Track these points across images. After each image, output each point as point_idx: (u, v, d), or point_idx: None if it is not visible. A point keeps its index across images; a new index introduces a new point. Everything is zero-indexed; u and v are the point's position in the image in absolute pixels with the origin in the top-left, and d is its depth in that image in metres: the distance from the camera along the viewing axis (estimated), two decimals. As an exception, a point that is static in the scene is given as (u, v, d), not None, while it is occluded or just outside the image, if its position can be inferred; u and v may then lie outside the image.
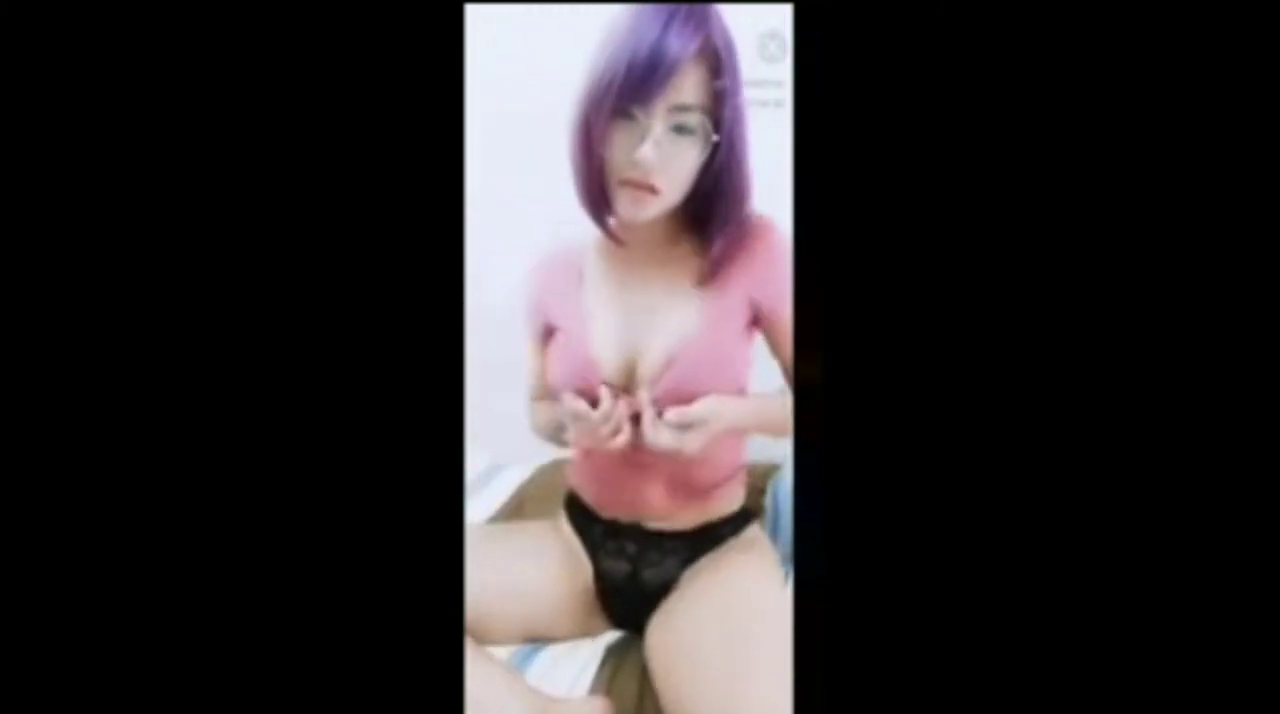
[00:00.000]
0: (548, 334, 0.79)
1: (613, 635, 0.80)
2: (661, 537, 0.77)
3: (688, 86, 0.60)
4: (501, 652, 0.74)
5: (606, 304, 0.73)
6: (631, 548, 0.77)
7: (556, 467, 1.19)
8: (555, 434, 0.79)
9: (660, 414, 0.65)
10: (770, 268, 0.69)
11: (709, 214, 0.68)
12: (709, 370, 0.68)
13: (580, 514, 0.82)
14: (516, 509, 1.11)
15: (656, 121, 0.60)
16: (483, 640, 0.72)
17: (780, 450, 0.88)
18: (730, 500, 0.80)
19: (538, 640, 0.77)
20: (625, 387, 0.70)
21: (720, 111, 0.62)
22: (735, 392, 0.70)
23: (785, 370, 0.75)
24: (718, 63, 0.61)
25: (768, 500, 1.02)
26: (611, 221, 0.70)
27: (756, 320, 0.72)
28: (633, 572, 0.77)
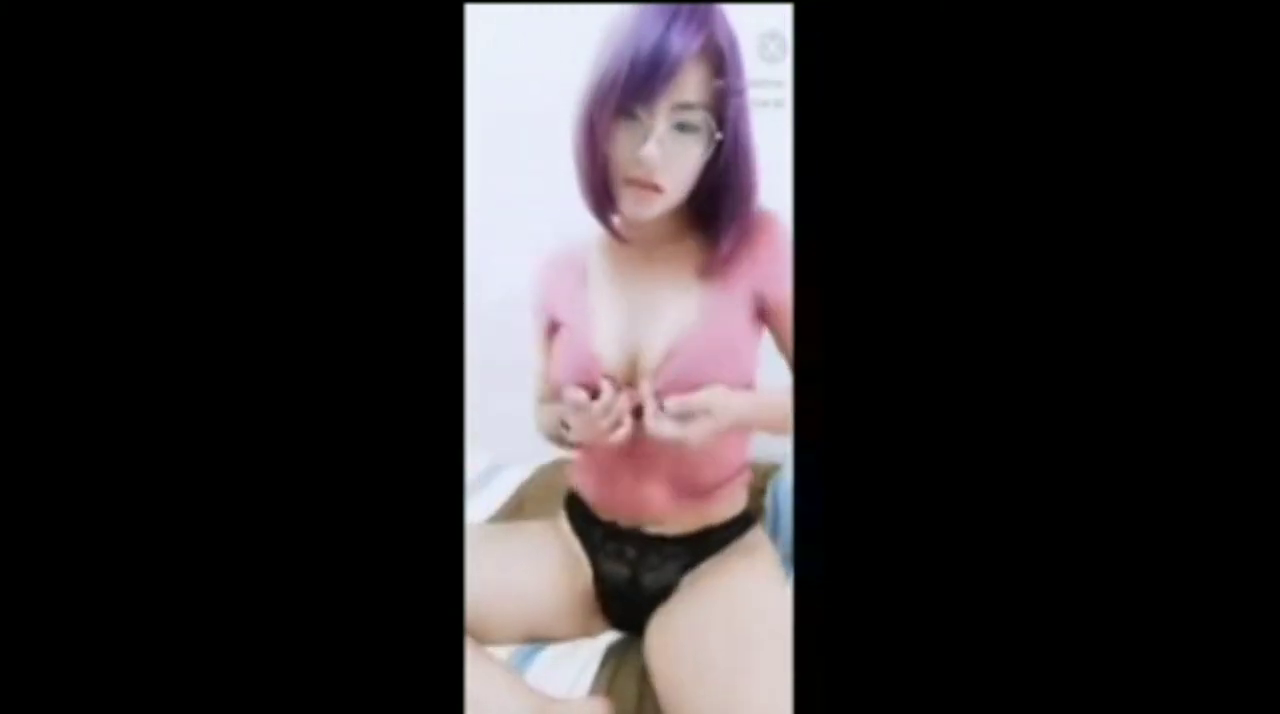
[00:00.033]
0: (553, 333, 0.79)
1: (613, 636, 0.80)
2: (662, 541, 0.76)
3: (690, 85, 0.60)
4: (501, 652, 0.74)
5: (610, 300, 0.73)
6: (631, 552, 0.77)
7: (556, 467, 1.20)
8: (559, 434, 0.79)
9: (662, 406, 0.64)
10: (775, 261, 0.69)
11: (715, 211, 0.68)
12: (712, 362, 0.68)
13: (580, 516, 0.82)
14: (516, 509, 1.11)
15: (659, 120, 0.60)
16: (482, 640, 0.72)
17: (780, 449, 0.88)
18: (733, 502, 0.79)
19: (537, 641, 0.77)
20: (628, 381, 0.70)
21: (723, 109, 0.62)
22: (741, 386, 0.69)
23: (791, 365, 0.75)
24: (720, 61, 0.61)
25: (768, 500, 1.02)
26: (616, 220, 0.70)
27: (762, 314, 0.71)
28: (632, 576, 0.76)
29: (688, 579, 0.75)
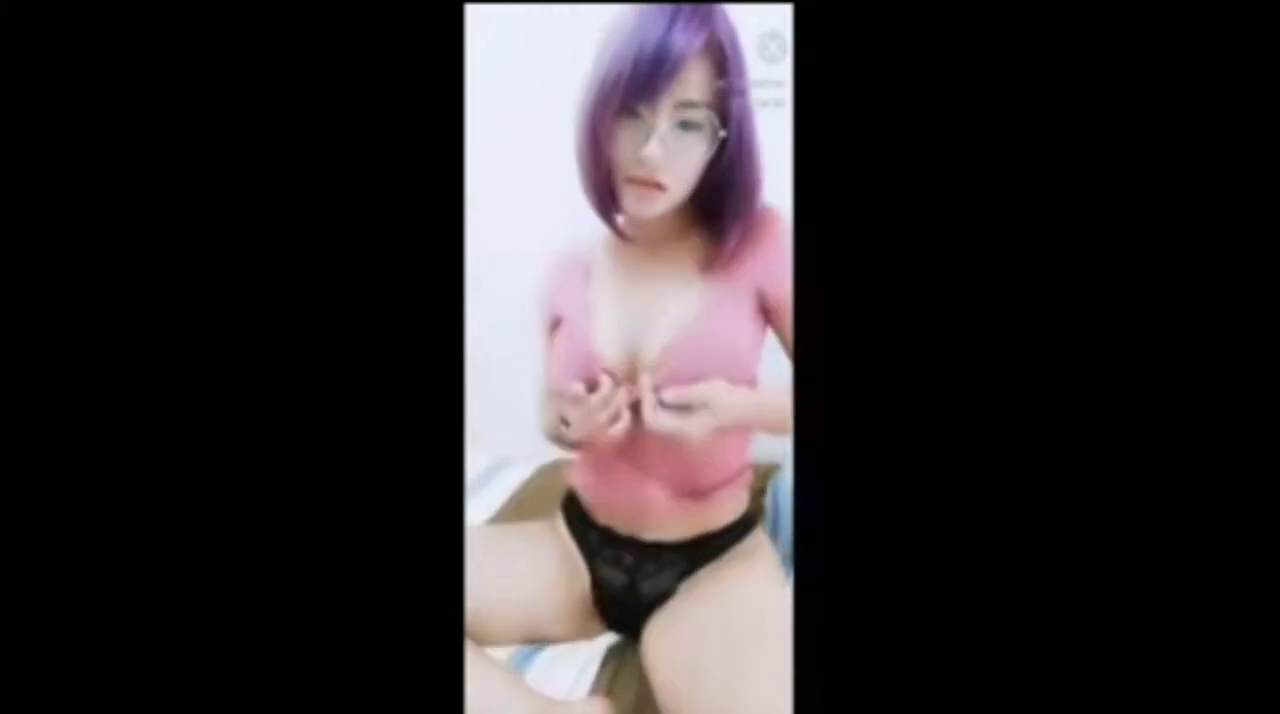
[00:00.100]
0: (556, 330, 0.79)
1: (613, 636, 0.80)
2: (659, 548, 0.76)
3: (693, 83, 0.60)
4: (501, 653, 0.74)
5: (612, 297, 0.73)
6: (628, 559, 0.76)
7: (556, 467, 1.20)
8: (559, 431, 0.79)
9: (661, 400, 0.64)
10: (778, 258, 0.69)
11: (719, 208, 0.68)
12: (712, 357, 0.67)
13: (577, 519, 0.81)
14: (516, 509, 1.11)
15: (662, 118, 0.60)
16: (482, 641, 0.72)
17: (780, 449, 0.88)
18: (733, 506, 0.79)
19: (537, 642, 0.77)
20: (629, 377, 0.70)
21: (726, 107, 0.62)
22: (743, 382, 0.69)
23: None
24: (722, 59, 0.61)
25: (768, 500, 1.02)
26: (619, 218, 0.70)
27: (765, 312, 0.71)
28: (630, 583, 0.76)
29: (685, 585, 0.75)
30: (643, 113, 0.60)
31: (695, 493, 0.75)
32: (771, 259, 0.69)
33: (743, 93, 0.63)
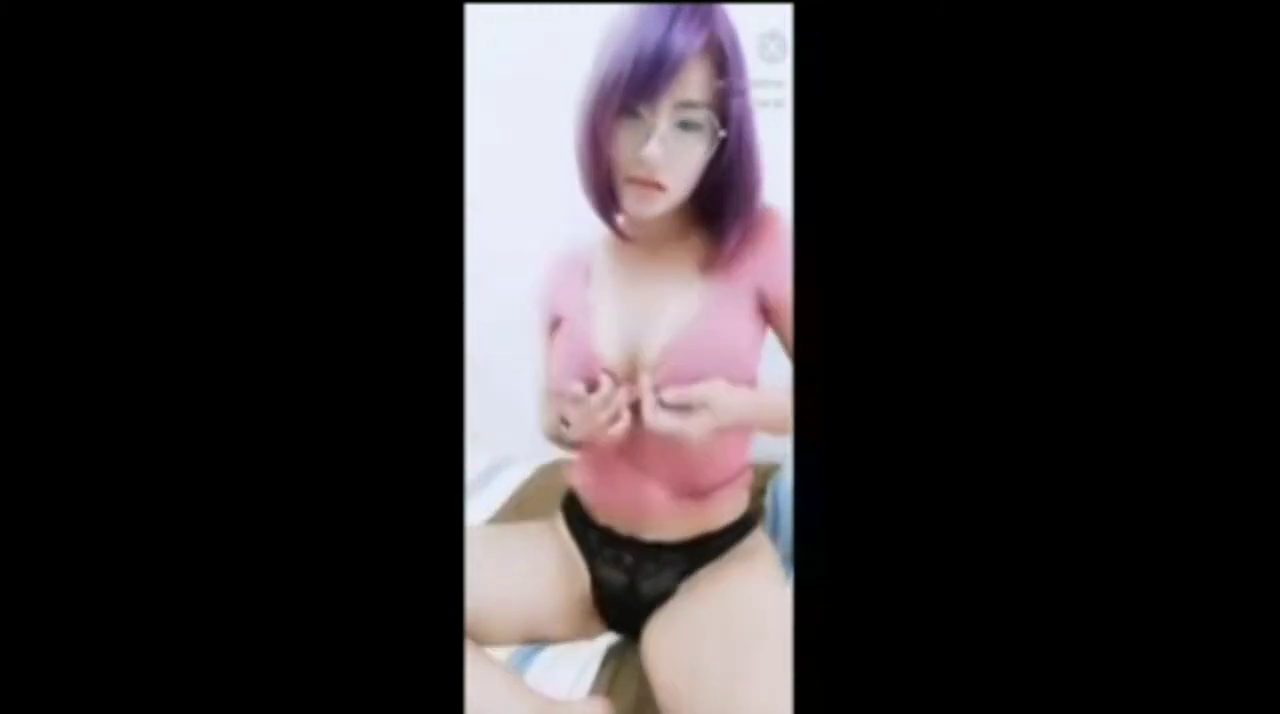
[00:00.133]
0: (556, 331, 0.79)
1: (613, 636, 0.80)
2: (659, 548, 0.76)
3: (693, 83, 0.60)
4: (501, 653, 0.74)
5: (612, 297, 0.73)
6: (628, 559, 0.76)
7: (556, 467, 1.20)
8: (559, 431, 0.79)
9: (661, 400, 0.64)
10: (778, 258, 0.69)
11: (719, 208, 0.68)
12: (712, 357, 0.67)
13: (577, 519, 0.81)
14: (516, 509, 1.11)
15: (662, 118, 0.60)
16: (482, 641, 0.72)
17: (780, 449, 0.88)
18: (733, 506, 0.79)
19: (537, 642, 0.77)
20: (629, 377, 0.70)
21: (726, 107, 0.62)
22: (743, 382, 0.69)
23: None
24: (722, 59, 0.61)
25: (768, 500, 1.02)
26: (619, 219, 0.70)
27: (765, 312, 0.71)
28: (630, 583, 0.76)
29: (685, 585, 0.75)
30: (643, 113, 0.60)
31: (695, 493, 0.75)
32: (771, 259, 0.69)
33: (743, 93, 0.63)
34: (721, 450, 0.75)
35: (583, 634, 0.79)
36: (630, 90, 0.59)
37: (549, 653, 0.76)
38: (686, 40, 0.58)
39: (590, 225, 0.72)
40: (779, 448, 0.83)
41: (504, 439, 1.26)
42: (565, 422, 0.70)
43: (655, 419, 0.63)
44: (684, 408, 0.63)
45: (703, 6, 0.60)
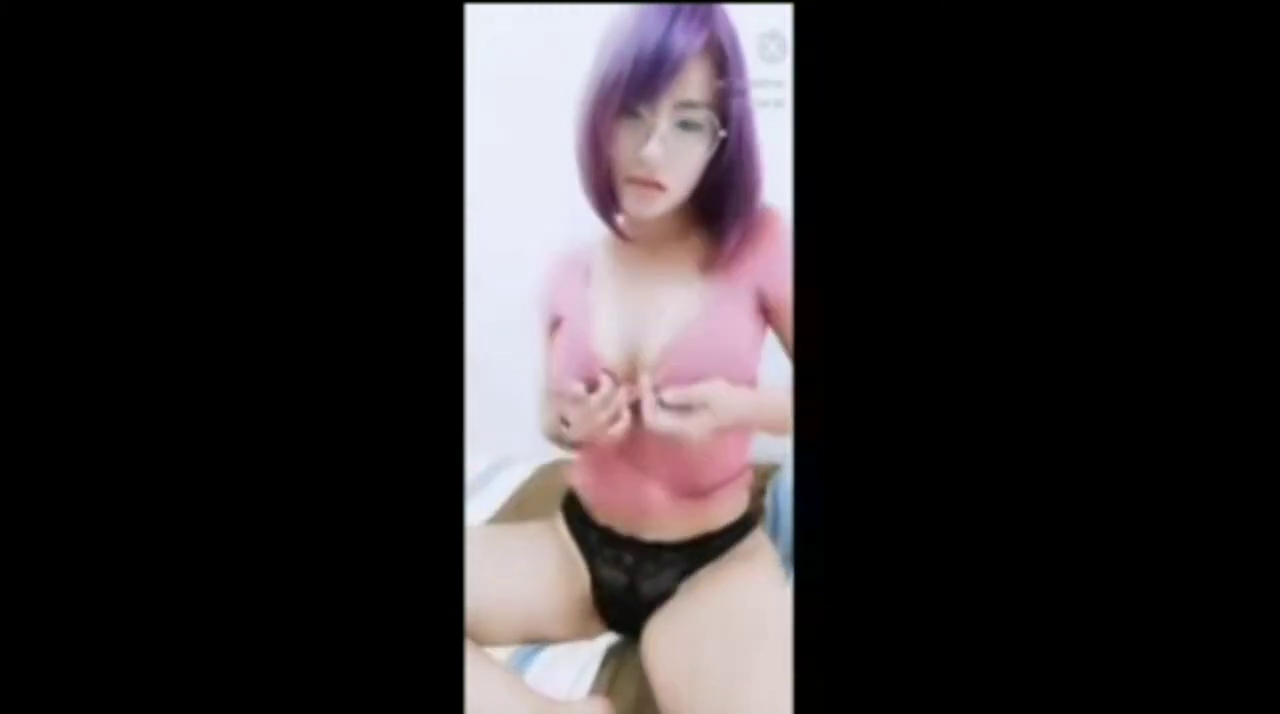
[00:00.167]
0: (556, 331, 0.79)
1: (613, 636, 0.80)
2: (659, 548, 0.76)
3: (693, 83, 0.60)
4: (501, 653, 0.74)
5: (612, 297, 0.73)
6: (628, 559, 0.76)
7: (556, 467, 1.20)
8: (559, 431, 0.79)
9: (661, 400, 0.64)
10: (778, 258, 0.69)
11: (719, 208, 0.68)
12: (712, 357, 0.67)
13: (577, 519, 0.81)
14: (516, 509, 1.11)
15: (662, 118, 0.60)
16: (482, 642, 0.72)
17: (780, 449, 0.88)
18: (733, 506, 0.79)
19: (537, 641, 0.77)
20: (629, 377, 0.70)
21: (726, 107, 0.62)
22: (743, 382, 0.69)
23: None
24: (722, 59, 0.61)
25: (768, 500, 1.02)
26: (619, 219, 0.70)
27: (765, 311, 0.71)
28: (630, 583, 0.76)
29: (685, 586, 0.75)
30: (643, 113, 0.60)
31: (695, 493, 0.75)
32: (771, 259, 0.69)
33: (743, 93, 0.63)
34: (721, 450, 0.75)
35: (583, 634, 0.79)
36: (630, 90, 0.59)
37: (549, 653, 0.76)
38: (686, 40, 0.58)
39: (590, 225, 0.72)
40: (779, 448, 0.83)
41: (504, 439, 1.26)
42: (565, 422, 0.70)
43: (655, 419, 0.63)
44: (684, 408, 0.63)
45: (703, 6, 0.60)
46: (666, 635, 0.69)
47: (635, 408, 0.65)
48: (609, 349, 0.71)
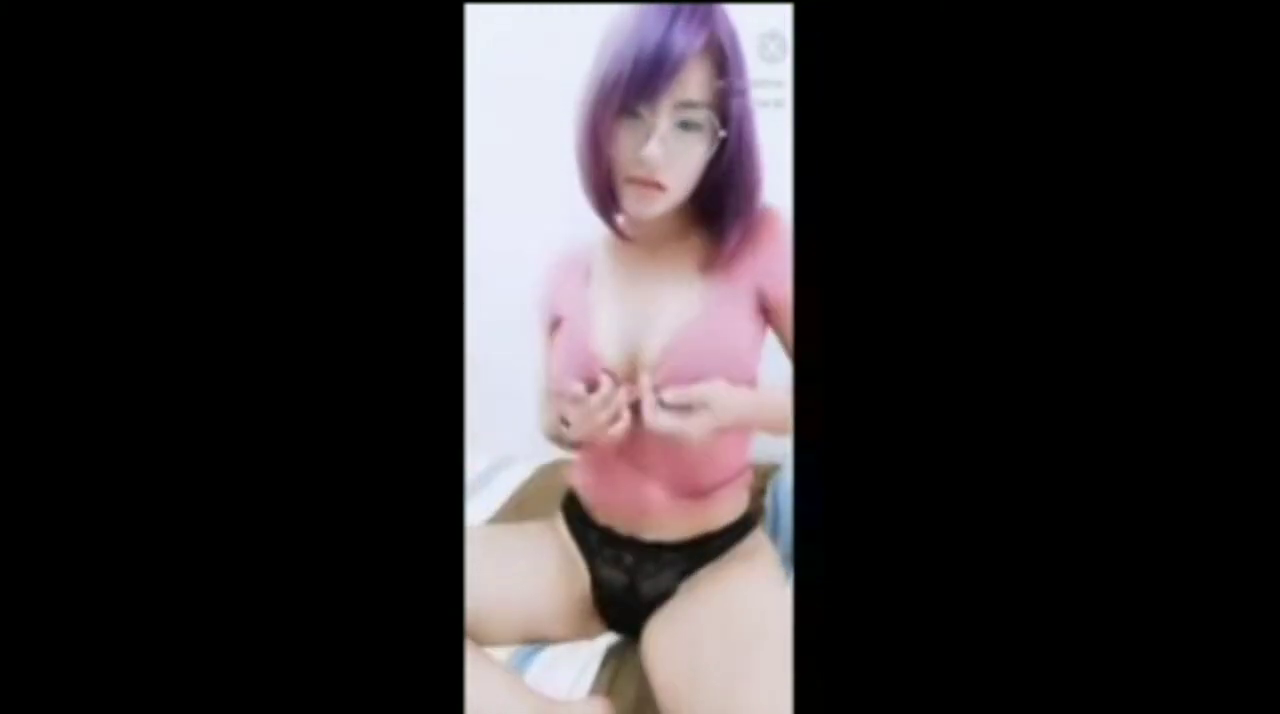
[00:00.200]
0: (556, 331, 0.79)
1: (613, 636, 0.80)
2: (659, 548, 0.76)
3: (693, 83, 0.60)
4: (501, 653, 0.74)
5: (612, 297, 0.73)
6: (628, 559, 0.76)
7: (556, 467, 1.20)
8: (559, 431, 0.79)
9: (661, 400, 0.64)
10: (778, 258, 0.69)
11: (719, 208, 0.68)
12: (712, 357, 0.67)
13: (577, 519, 0.81)
14: (516, 509, 1.11)
15: (662, 118, 0.60)
16: (482, 642, 0.72)
17: (780, 449, 0.88)
18: (733, 506, 0.79)
19: (537, 641, 0.77)
20: (629, 377, 0.70)
21: (726, 107, 0.62)
22: (743, 382, 0.69)
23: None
24: (722, 60, 0.61)
25: (768, 500, 1.02)
26: (619, 219, 0.70)
27: (765, 311, 0.71)
28: (630, 583, 0.76)
29: (685, 586, 0.75)
30: (643, 113, 0.60)
31: (695, 493, 0.75)
32: (771, 259, 0.69)
33: (743, 93, 0.63)
34: (721, 450, 0.75)
35: (583, 634, 0.79)
36: (630, 90, 0.59)
37: (549, 653, 0.76)
38: (686, 40, 0.58)
39: (590, 225, 0.72)
40: (779, 448, 0.83)
41: (504, 439, 1.26)
42: (565, 421, 0.70)
43: (655, 419, 0.63)
44: (684, 408, 0.63)
45: (703, 6, 0.60)
46: (666, 635, 0.69)
47: (635, 408, 0.65)
48: (609, 349, 0.71)
